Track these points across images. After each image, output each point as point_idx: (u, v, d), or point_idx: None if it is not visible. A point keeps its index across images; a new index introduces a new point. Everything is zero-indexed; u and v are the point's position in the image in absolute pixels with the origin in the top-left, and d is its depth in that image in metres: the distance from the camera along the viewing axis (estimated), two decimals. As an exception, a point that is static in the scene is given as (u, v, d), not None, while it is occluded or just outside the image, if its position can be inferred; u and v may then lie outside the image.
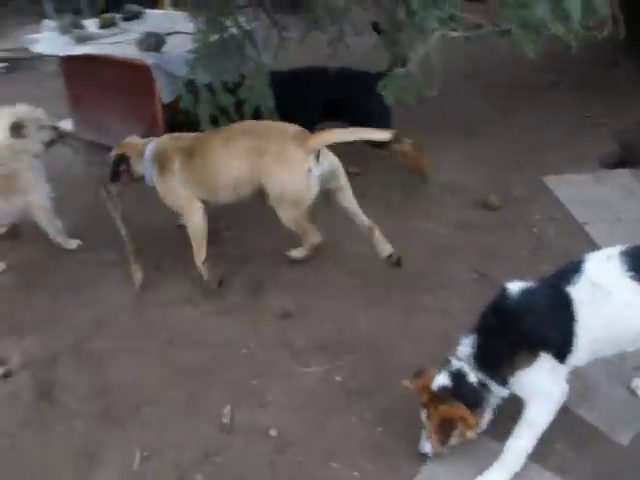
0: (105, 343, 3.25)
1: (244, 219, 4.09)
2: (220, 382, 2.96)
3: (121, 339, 3.27)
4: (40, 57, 7.59)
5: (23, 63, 7.59)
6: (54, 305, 3.54)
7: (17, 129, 3.70)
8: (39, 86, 6.87)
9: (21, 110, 3.78)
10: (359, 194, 4.23)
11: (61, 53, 4.67)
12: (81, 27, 4.88)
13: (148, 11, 5.51)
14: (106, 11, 6.38)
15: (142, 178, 3.63)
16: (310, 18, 3.96)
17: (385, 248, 3.57)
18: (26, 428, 2.85)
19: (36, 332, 3.36)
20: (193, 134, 3.66)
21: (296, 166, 3.29)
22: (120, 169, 3.58)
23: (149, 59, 4.25)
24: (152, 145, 3.57)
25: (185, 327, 3.32)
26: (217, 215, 4.11)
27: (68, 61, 4.89)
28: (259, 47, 4.19)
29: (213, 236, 3.93)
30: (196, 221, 3.55)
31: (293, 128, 3.40)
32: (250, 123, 3.64)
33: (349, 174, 4.38)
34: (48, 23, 5.16)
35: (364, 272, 3.60)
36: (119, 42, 4.70)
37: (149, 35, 4.38)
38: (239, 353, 3.11)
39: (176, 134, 3.67)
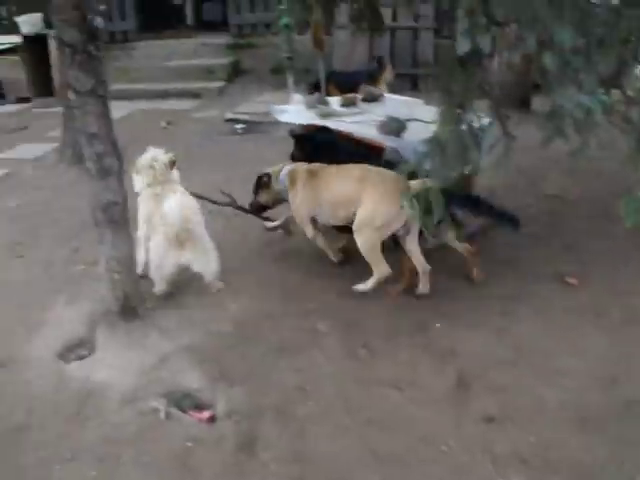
0: (308, 410, 3.33)
1: (454, 312, 4.09)
2: (415, 475, 2.92)
3: (323, 409, 3.34)
4: (274, 123, 8.22)
5: (258, 126, 8.19)
6: (264, 362, 3.70)
7: (171, 164, 4.37)
8: (270, 148, 7.36)
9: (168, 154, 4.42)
10: (575, 305, 4.13)
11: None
12: (326, 104, 5.21)
13: (387, 95, 5.77)
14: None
15: (279, 196, 4.64)
16: (552, 126, 3.92)
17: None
18: (224, 476, 2.99)
19: (245, 384, 3.52)
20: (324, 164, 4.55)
21: (392, 198, 3.98)
22: (263, 181, 4.65)
23: (388, 142, 4.44)
24: (289, 167, 4.62)
25: (387, 410, 3.32)
26: (425, 305, 4.17)
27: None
28: (484, 149, 4.21)
29: (422, 328, 3.98)
30: (308, 234, 4.58)
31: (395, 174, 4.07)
32: (365, 165, 4.33)
33: (566, 284, 4.29)
34: (297, 97, 5.56)
35: (576, 390, 3.43)
36: (359, 121, 4.94)
37: (392, 120, 4.59)
38: (438, 449, 3.06)
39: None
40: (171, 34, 12.08)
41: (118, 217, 3.80)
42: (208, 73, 10.55)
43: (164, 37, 11.84)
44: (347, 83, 8.08)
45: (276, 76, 10.32)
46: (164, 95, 10.12)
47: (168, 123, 8.78)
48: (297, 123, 5.07)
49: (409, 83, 9.85)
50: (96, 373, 3.67)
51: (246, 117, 8.41)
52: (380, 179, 4.15)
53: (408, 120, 4.76)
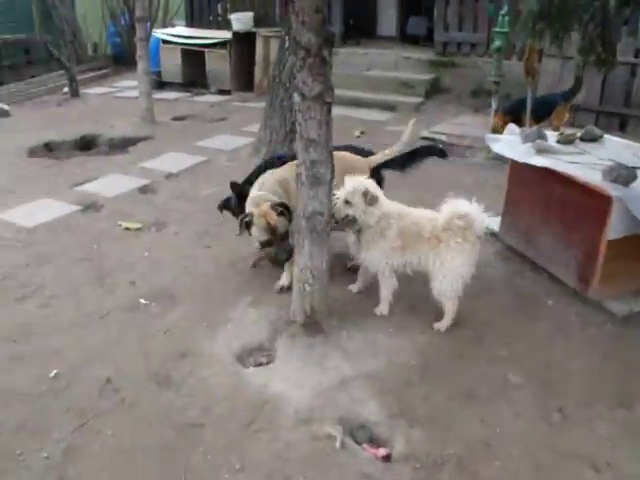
0: (493, 471, 3.03)
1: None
2: None
3: (511, 474, 3.03)
4: (471, 147, 7.93)
5: (455, 149, 7.91)
6: (448, 407, 3.43)
7: (372, 199, 3.93)
8: (466, 173, 7.09)
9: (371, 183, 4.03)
10: None
11: (519, 159, 4.65)
12: (545, 138, 4.84)
13: (607, 137, 5.30)
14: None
15: None
16: None
17: None
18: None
19: (426, 427, 3.27)
20: None
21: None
22: None
23: (613, 191, 4.01)
24: None
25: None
26: (629, 375, 3.74)
27: (516, 165, 4.87)
28: None
29: (624, 401, 3.55)
30: None
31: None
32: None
33: None
34: (512, 127, 5.23)
35: None
36: (577, 162, 4.55)
37: (620, 167, 4.15)
38: None
39: None
40: (373, 44, 12.09)
41: (321, 228, 3.67)
42: (406, 87, 10.39)
43: (366, 46, 11.83)
44: (542, 109, 7.68)
45: (475, 98, 10.01)
46: (359, 104, 10.07)
47: (362, 133, 8.70)
48: (509, 156, 4.76)
49: (617, 124, 9.16)
50: (273, 384, 3.58)
51: (443, 137, 8.14)
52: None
53: (635, 168, 4.30)
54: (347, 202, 3.90)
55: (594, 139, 5.14)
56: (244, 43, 11.22)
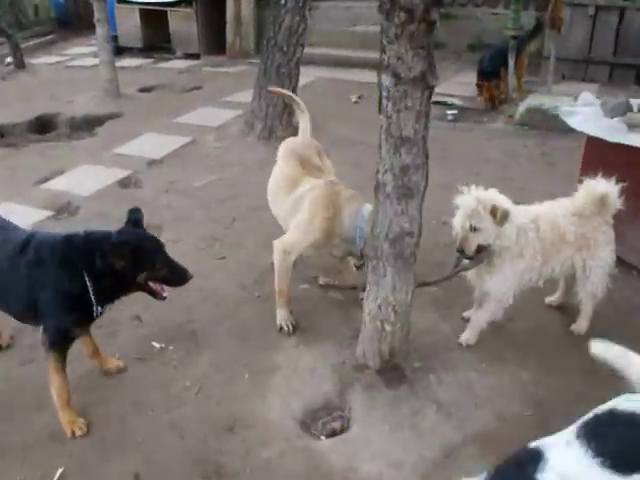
0: None
1: None
2: None
3: None
4: (488, 111, 7.04)
5: (471, 114, 7.01)
6: None
7: (504, 216, 3.00)
8: (490, 143, 6.22)
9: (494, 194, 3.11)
10: None
11: (610, 139, 3.74)
12: (631, 109, 3.93)
13: None
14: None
15: None
16: None
17: None
18: None
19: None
20: None
21: None
22: None
23: None
24: None
25: None
26: None
27: (594, 143, 3.99)
28: None
29: None
30: None
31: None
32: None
33: None
34: (586, 96, 4.29)
35: None
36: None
37: None
38: None
39: None
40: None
41: (409, 253, 2.75)
42: (397, 44, 9.37)
43: (348, -1, 10.70)
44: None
45: (475, 53, 9.08)
46: (347, 63, 9.07)
47: (359, 97, 7.73)
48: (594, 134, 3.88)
49: (633, 77, 8.34)
50: (361, 463, 2.68)
51: (456, 100, 7.20)
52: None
53: None
54: (474, 229, 2.98)
55: None
56: (212, 0, 10.00)
